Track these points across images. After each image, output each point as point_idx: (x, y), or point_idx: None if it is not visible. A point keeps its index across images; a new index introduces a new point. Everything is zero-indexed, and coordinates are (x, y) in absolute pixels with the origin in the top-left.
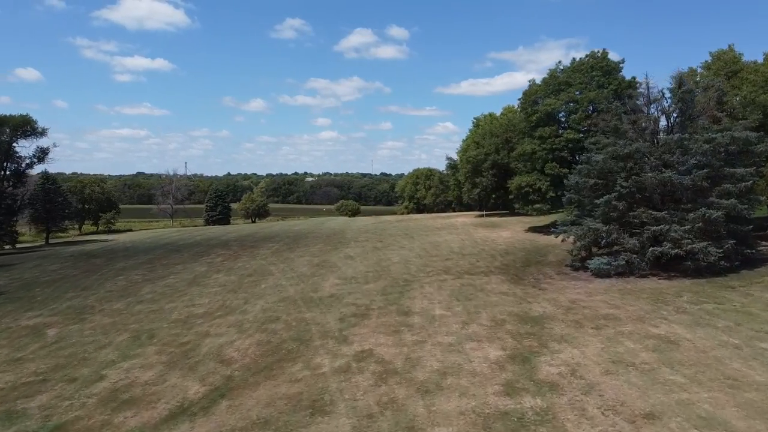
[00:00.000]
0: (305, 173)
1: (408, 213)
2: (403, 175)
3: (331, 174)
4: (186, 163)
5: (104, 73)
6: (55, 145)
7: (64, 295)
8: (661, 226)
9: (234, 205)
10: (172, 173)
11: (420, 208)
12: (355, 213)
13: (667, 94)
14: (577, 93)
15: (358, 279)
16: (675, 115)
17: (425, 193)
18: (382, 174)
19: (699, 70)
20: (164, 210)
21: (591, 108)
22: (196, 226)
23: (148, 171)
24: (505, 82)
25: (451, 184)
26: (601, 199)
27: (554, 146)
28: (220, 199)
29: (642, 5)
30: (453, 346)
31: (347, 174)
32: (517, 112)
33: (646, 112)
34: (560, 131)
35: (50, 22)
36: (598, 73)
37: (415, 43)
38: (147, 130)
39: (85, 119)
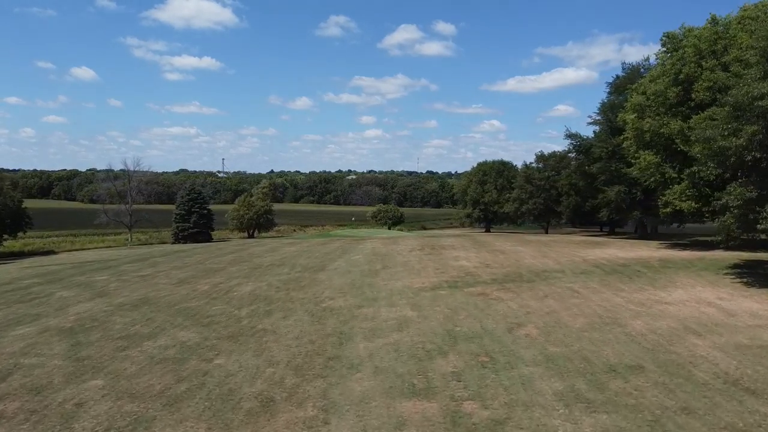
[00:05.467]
0: (349, 171)
1: (470, 224)
2: (450, 173)
3: (375, 172)
4: (223, 159)
5: (154, 73)
6: None
7: None
8: None
9: (228, 208)
10: (132, 168)
11: (488, 217)
12: (397, 222)
13: None
14: None
15: None
16: None
17: (497, 197)
18: (428, 172)
19: None
20: (118, 217)
21: None
22: (163, 243)
23: (191, 168)
24: (554, 79)
25: (563, 185)
26: None
27: None
28: (196, 202)
29: None
30: None
31: (392, 172)
32: None
33: None
34: None
35: (102, 23)
36: None
37: (461, 39)
38: (197, 128)
39: (138, 118)
